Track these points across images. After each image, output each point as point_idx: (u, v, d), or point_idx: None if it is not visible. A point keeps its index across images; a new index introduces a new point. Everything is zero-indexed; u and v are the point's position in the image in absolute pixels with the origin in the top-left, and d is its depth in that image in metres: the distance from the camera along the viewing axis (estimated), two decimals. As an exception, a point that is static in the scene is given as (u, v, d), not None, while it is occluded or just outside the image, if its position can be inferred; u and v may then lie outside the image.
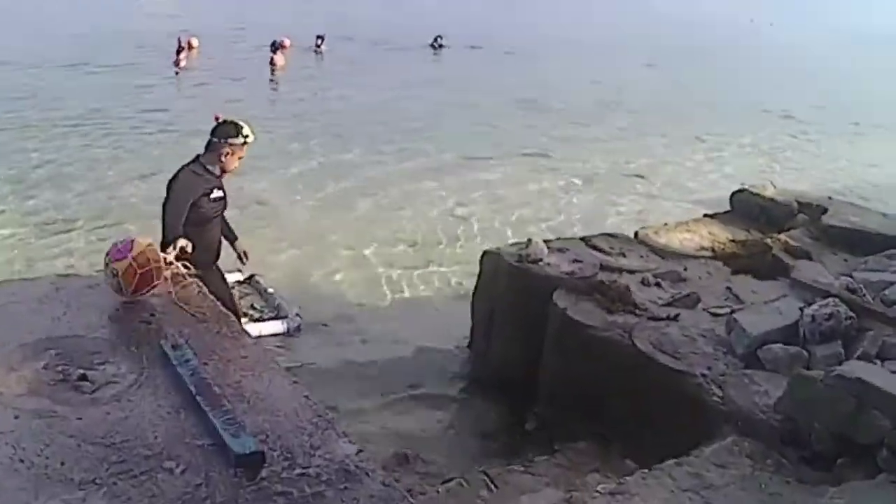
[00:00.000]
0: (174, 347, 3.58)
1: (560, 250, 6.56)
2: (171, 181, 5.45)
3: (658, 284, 6.47)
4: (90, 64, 18.15)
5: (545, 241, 6.65)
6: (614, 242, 7.22)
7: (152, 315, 3.93)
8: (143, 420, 3.12)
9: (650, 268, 6.76)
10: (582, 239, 7.15)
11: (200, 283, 4.40)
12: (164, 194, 5.43)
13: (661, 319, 5.78)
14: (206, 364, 3.52)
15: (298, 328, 7.22)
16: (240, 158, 5.55)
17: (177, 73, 18.60)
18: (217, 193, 5.54)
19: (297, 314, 7.34)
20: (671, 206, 12.02)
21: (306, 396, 3.45)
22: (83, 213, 9.86)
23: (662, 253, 7.14)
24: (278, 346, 6.83)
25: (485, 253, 6.65)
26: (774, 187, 8.90)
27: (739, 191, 8.65)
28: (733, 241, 7.52)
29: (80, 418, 3.08)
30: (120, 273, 3.91)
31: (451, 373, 6.80)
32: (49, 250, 8.78)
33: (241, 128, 5.44)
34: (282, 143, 13.06)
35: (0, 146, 12.12)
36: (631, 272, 6.59)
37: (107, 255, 4.00)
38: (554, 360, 5.83)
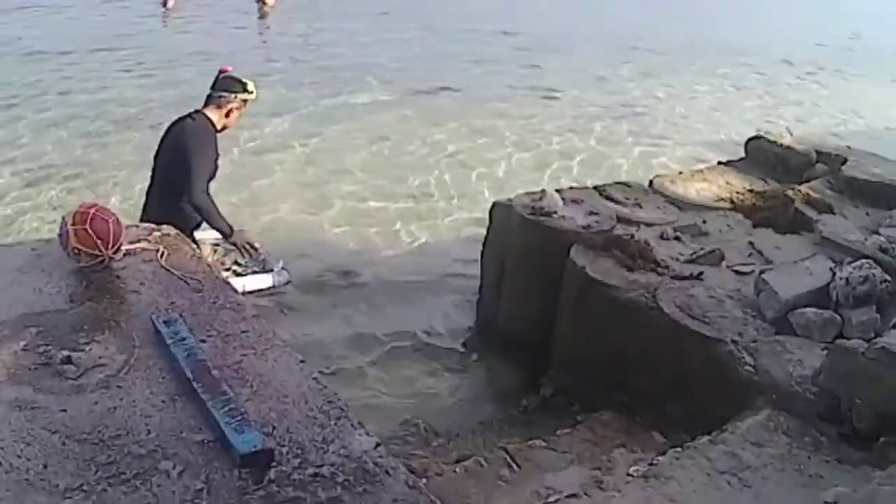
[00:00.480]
0: (167, 323, 3.22)
1: (575, 201, 6.20)
2: (188, 134, 5.15)
3: (678, 238, 6.15)
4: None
5: (557, 191, 6.29)
6: (629, 192, 6.87)
7: (141, 284, 3.57)
8: (135, 411, 2.77)
9: (668, 220, 6.43)
10: (596, 188, 6.79)
11: (194, 246, 4.05)
12: (171, 147, 5.16)
13: (685, 278, 5.45)
14: (203, 342, 3.17)
15: (288, 282, 6.84)
16: (241, 116, 5.35)
17: (164, 12, 17.94)
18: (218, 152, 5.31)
19: (284, 268, 6.96)
20: (679, 149, 11.66)
21: (315, 379, 3.11)
22: (63, 162, 9.41)
23: (680, 204, 6.80)
24: (274, 305, 6.48)
25: (494, 204, 6.28)
26: (791, 135, 8.52)
27: (755, 138, 8.26)
28: (752, 191, 7.18)
29: (65, 410, 2.73)
30: (78, 244, 3.55)
31: (459, 331, 6.51)
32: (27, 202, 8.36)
33: (247, 83, 5.24)
34: (272, 87, 12.49)
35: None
36: (649, 225, 6.27)
37: (63, 248, 3.63)
38: (570, 322, 5.52)
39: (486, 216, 6.46)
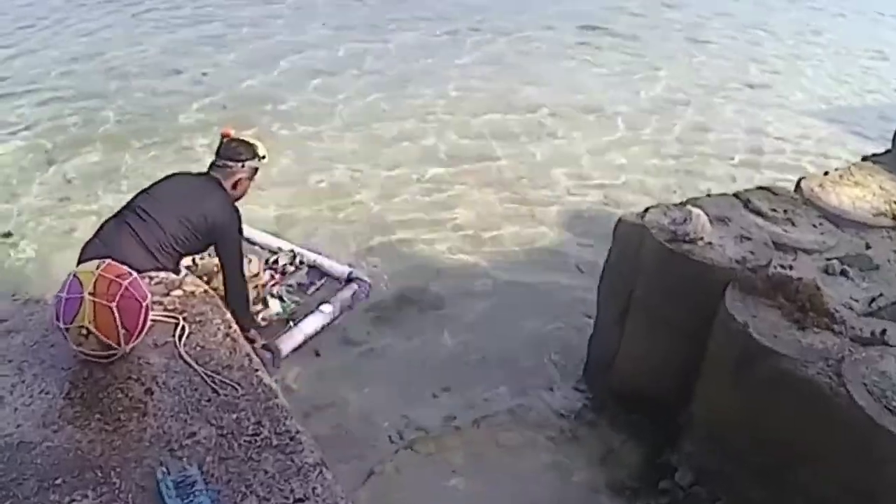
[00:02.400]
0: (178, 486, 2.02)
1: (721, 220, 4.86)
2: (218, 207, 4.36)
3: (844, 273, 4.83)
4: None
5: (693, 203, 4.98)
6: (776, 202, 5.52)
7: (148, 393, 2.38)
8: None
9: (828, 244, 5.11)
10: (737, 196, 5.45)
11: (225, 312, 2.82)
12: (186, 206, 4.29)
13: (868, 342, 4.14)
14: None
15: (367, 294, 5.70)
16: (249, 187, 4.57)
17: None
18: None
19: (355, 276, 5.74)
20: (787, 123, 10.11)
21: None
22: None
23: (836, 220, 5.46)
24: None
25: (620, 221, 4.95)
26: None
27: (910, 127, 6.83)
28: (914, 201, 5.82)
29: None
30: (91, 325, 2.36)
31: (566, 373, 5.23)
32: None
33: (256, 147, 4.50)
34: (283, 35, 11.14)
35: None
36: (808, 252, 4.95)
37: (56, 319, 2.48)
38: (721, 390, 4.25)
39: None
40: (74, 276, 2.51)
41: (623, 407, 4.80)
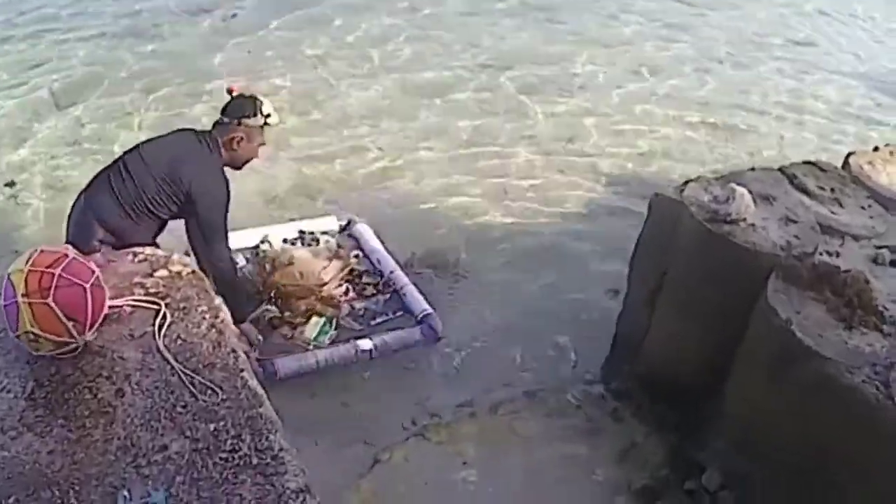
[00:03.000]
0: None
1: (765, 199, 4.52)
2: (203, 170, 4.04)
3: (894, 264, 4.47)
4: None
5: (736, 178, 4.63)
6: (823, 178, 5.15)
7: (119, 394, 2.14)
8: None
9: (878, 231, 4.74)
10: (782, 171, 5.08)
11: (215, 297, 2.55)
12: (169, 167, 4.00)
13: (919, 346, 3.81)
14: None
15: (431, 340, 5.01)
16: (260, 146, 4.18)
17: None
18: None
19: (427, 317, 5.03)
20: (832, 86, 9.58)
21: None
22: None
23: (886, 201, 5.09)
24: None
25: (657, 196, 4.59)
26: None
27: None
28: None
29: None
30: (35, 328, 2.18)
31: (585, 363, 4.91)
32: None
33: (260, 104, 4.08)
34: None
35: None
36: (856, 238, 4.60)
37: (8, 328, 2.29)
38: (756, 389, 3.94)
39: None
40: (7, 277, 2.27)
41: (648, 395, 4.50)
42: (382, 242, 5.50)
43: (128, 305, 2.40)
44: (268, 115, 4.08)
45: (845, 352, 3.66)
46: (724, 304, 4.14)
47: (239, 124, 4.05)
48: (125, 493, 1.84)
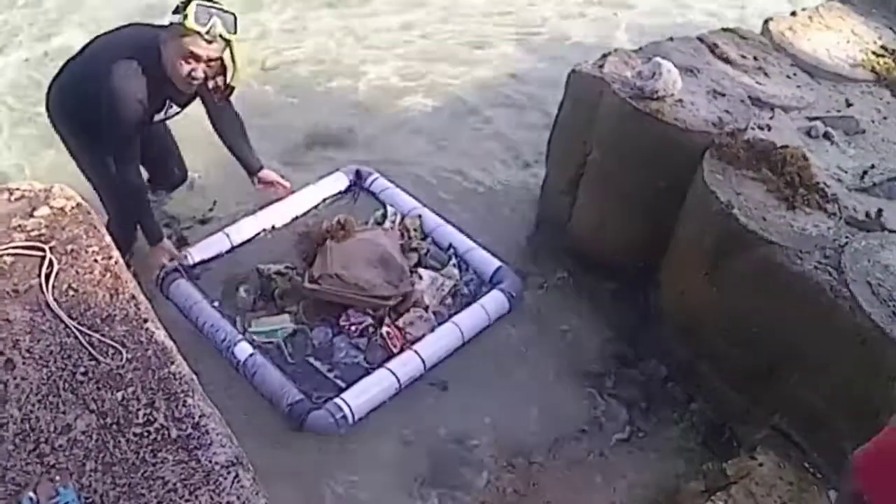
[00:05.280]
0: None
1: (690, 71, 4.06)
2: (118, 72, 3.13)
3: (828, 137, 4.16)
4: None
5: (655, 49, 4.18)
6: (744, 47, 4.80)
7: (5, 362, 1.58)
8: None
9: (807, 100, 4.42)
10: (700, 39, 4.67)
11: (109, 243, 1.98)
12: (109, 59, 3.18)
13: (863, 226, 3.49)
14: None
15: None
16: (207, 64, 3.18)
17: None
18: (173, 110, 3.50)
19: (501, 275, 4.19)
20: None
21: None
22: None
23: (810, 69, 4.77)
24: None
25: (574, 72, 4.06)
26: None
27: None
28: (887, 49, 5.12)
29: None
30: None
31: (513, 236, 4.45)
32: None
33: (195, 6, 3.07)
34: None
35: None
36: (786, 110, 4.25)
37: None
38: (692, 277, 3.59)
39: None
40: None
41: (575, 274, 4.10)
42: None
43: (7, 255, 1.82)
44: (210, 28, 3.09)
45: (792, 236, 3.30)
46: (653, 187, 3.74)
47: (175, 31, 3.15)
48: (31, 494, 1.41)
